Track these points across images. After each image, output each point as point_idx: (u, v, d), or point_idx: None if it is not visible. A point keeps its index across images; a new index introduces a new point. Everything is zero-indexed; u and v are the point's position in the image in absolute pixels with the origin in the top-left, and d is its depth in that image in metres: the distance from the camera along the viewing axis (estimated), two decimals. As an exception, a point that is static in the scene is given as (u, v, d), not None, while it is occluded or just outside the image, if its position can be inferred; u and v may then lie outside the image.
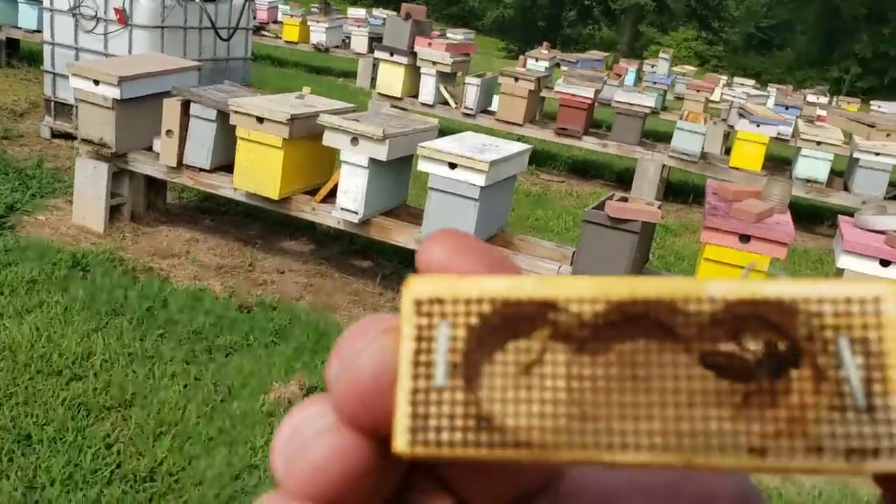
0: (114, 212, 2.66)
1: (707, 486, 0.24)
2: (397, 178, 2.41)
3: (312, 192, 2.45)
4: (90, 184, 2.61)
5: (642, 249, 2.19)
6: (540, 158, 4.58)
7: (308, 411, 0.22)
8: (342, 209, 2.29)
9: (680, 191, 4.47)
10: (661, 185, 4.20)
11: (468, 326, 0.20)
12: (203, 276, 2.46)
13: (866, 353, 0.18)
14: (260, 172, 2.34)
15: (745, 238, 1.97)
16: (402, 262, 2.76)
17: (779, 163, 4.51)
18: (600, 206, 2.15)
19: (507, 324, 0.20)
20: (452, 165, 2.13)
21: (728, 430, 0.19)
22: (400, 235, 2.32)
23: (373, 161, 2.22)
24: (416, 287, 0.20)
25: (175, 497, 1.52)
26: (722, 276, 0.22)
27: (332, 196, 2.38)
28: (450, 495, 0.24)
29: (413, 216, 2.38)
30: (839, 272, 2.00)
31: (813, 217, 4.34)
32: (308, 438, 0.21)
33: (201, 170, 2.49)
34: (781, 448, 0.18)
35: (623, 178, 4.46)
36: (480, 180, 2.10)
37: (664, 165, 4.14)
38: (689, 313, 0.19)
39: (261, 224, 2.91)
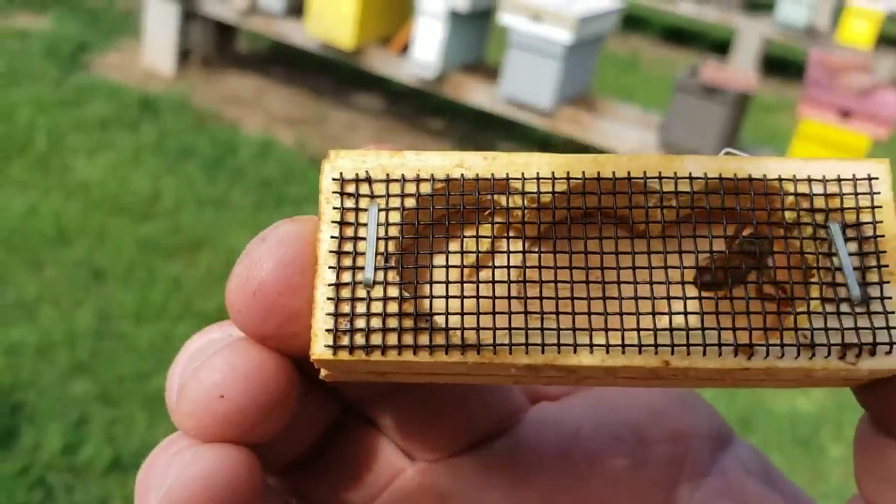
0: (184, 56, 2.61)
1: (676, 425, 0.22)
2: (476, 31, 2.26)
3: (388, 42, 2.33)
4: (160, 25, 2.55)
5: (735, 123, 2.04)
6: (631, 21, 4.29)
7: (211, 334, 0.18)
8: (416, 62, 2.18)
9: (781, 66, 4.16)
10: (761, 60, 3.91)
11: (403, 210, 0.17)
12: (273, 126, 2.42)
13: (860, 239, 0.16)
14: (333, 18, 2.22)
15: (845, 113, 1.81)
16: (477, 124, 2.65)
17: (892, 43, 4.13)
18: (693, 73, 2.00)
19: (449, 208, 0.17)
20: (536, 18, 1.97)
21: (711, 327, 0.16)
22: (476, 94, 2.21)
23: (452, 12, 2.08)
24: (338, 162, 0.17)
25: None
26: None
27: (407, 50, 2.26)
28: (389, 441, 0.21)
29: (490, 74, 2.25)
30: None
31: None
32: (203, 360, 0.16)
33: (274, 15, 2.39)
34: (770, 346, 0.16)
35: (720, 49, 4.17)
36: (566, 37, 1.95)
37: (765, 39, 3.83)
38: (665, 194, 0.17)
39: (333, 75, 2.82)
